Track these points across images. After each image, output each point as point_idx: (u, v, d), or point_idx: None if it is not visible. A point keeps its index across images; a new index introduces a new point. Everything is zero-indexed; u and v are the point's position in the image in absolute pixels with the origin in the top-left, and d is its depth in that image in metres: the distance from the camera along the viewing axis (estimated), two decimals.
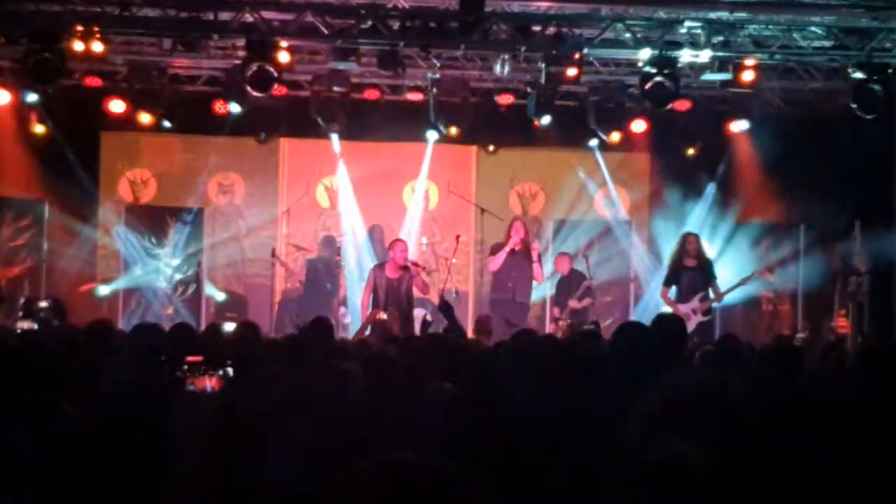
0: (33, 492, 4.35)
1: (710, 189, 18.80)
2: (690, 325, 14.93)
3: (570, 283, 17.42)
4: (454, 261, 17.32)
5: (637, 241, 19.27)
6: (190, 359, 7.22)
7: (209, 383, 6.77)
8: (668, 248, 17.67)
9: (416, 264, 15.70)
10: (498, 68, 16.67)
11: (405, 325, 15.01)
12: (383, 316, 15.44)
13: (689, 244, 16.09)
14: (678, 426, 2.99)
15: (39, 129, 17.66)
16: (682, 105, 16.76)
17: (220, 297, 18.61)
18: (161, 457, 3.43)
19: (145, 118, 17.27)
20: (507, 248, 15.97)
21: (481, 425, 5.00)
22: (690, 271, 16.01)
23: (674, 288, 16.17)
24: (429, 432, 5.46)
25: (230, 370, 6.91)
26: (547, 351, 7.72)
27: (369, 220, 19.13)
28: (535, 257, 15.99)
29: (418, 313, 16.08)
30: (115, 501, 3.41)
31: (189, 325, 10.70)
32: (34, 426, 4.80)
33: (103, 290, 17.90)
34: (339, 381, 6.19)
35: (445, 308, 12.66)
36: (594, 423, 5.11)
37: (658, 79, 15.19)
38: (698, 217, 18.61)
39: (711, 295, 15.97)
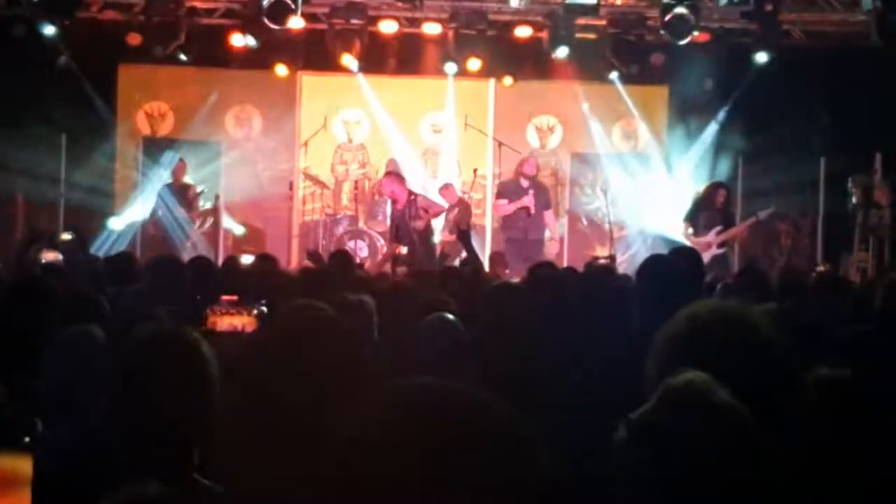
0: (67, 418, 4.39)
1: (722, 115, 18.69)
2: (706, 258, 14.99)
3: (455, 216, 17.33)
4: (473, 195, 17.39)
5: (655, 174, 19.22)
6: (225, 298, 7.20)
7: (239, 322, 6.74)
8: (685, 180, 17.73)
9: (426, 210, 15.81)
10: (515, 0, 16.59)
11: (426, 258, 15.18)
12: (403, 250, 15.59)
13: (718, 195, 16.17)
14: (701, 350, 2.98)
15: (62, 60, 17.56)
16: (702, 37, 16.65)
17: (239, 230, 18.62)
18: (194, 396, 3.45)
19: (162, 51, 17.22)
20: (517, 205, 16.07)
21: (498, 357, 5.02)
22: (711, 212, 16.11)
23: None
24: (436, 363, 5.49)
25: (263, 308, 6.86)
26: (565, 283, 7.74)
27: (385, 153, 19.11)
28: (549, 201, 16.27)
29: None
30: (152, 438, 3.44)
31: (208, 258, 10.74)
32: (70, 355, 4.85)
33: (116, 222, 17.82)
34: (350, 312, 6.20)
35: (463, 237, 12.64)
36: (613, 353, 5.13)
37: (678, 10, 15.12)
38: (708, 144, 18.66)
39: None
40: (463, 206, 17.22)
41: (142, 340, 3.65)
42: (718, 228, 15.88)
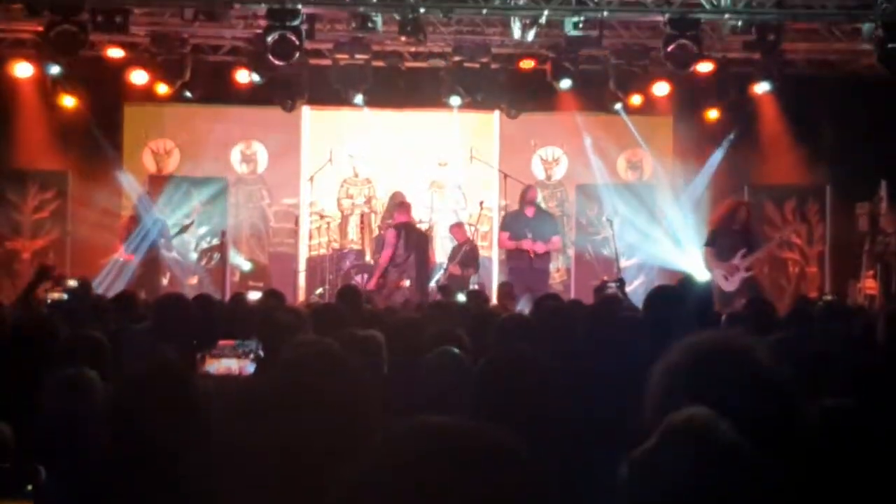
0: (67, 464, 4.36)
1: (726, 143, 18.69)
2: (735, 282, 14.91)
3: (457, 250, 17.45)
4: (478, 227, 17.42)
5: (661, 204, 19.21)
6: (222, 342, 7.19)
7: (235, 366, 6.72)
8: (691, 210, 17.72)
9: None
10: (519, 33, 16.60)
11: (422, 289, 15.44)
12: (406, 283, 15.72)
13: (739, 212, 15.84)
14: (701, 383, 2.95)
15: (69, 101, 17.61)
16: (705, 67, 16.65)
17: (247, 266, 18.63)
18: (186, 436, 3.42)
19: (167, 89, 17.26)
20: (519, 245, 16.20)
21: (507, 391, 4.99)
22: (733, 234, 15.60)
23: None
24: (444, 397, 5.45)
25: (260, 351, 6.84)
26: (573, 316, 7.71)
27: (390, 187, 19.11)
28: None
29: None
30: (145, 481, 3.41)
31: (211, 297, 10.70)
32: (63, 399, 4.82)
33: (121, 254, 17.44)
34: (359, 348, 6.18)
35: (444, 291, 12.75)
36: (619, 387, 5.10)
37: (680, 41, 15.11)
38: (714, 173, 18.67)
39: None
40: (470, 248, 17.33)
41: (132, 376, 3.63)
42: (743, 251, 15.37)
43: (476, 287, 15.86)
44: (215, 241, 18.05)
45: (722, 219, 15.89)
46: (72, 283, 13.78)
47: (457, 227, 17.82)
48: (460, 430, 2.11)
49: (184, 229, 16.65)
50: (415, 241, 16.66)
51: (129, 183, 18.43)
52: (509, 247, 16.67)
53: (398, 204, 17.60)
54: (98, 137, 18.09)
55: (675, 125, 19.16)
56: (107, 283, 16.71)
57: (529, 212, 16.67)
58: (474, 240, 17.74)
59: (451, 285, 16.10)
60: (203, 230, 18.50)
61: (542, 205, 17.05)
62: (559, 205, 19.40)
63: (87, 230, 17.88)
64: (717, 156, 18.76)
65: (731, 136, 18.61)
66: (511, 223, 16.87)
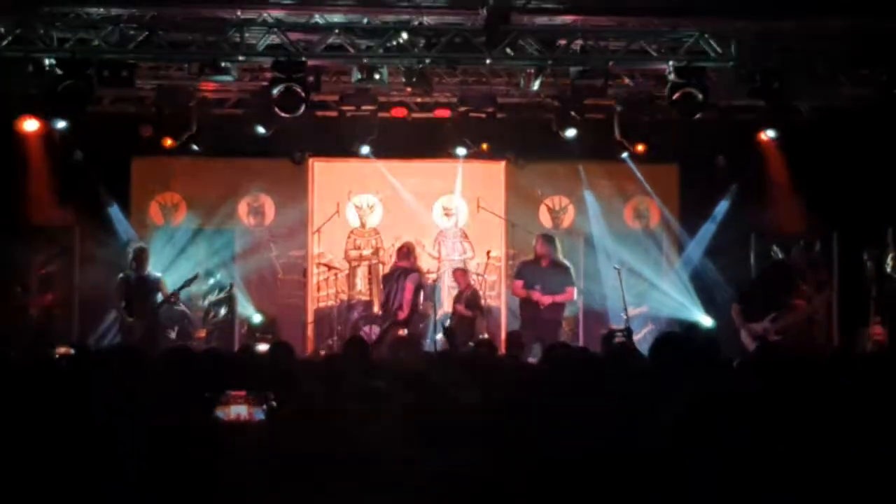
0: None
1: (731, 194, 18.74)
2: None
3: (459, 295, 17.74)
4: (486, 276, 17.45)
5: (668, 252, 19.24)
6: (233, 393, 7.18)
7: (246, 412, 6.71)
8: (699, 259, 17.76)
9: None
10: (524, 82, 16.69)
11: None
12: (404, 332, 15.90)
13: (793, 267, 15.62)
14: (702, 432, 2.96)
15: (79, 155, 17.71)
16: (711, 115, 16.67)
17: (257, 318, 18.61)
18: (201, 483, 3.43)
19: (174, 142, 17.29)
20: (530, 295, 16.46)
21: (515, 441, 4.98)
22: (768, 291, 15.22)
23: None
24: (452, 444, 5.44)
25: (273, 402, 6.82)
26: (582, 365, 7.70)
27: (397, 237, 19.11)
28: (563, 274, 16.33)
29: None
30: None
31: (219, 350, 10.70)
32: (71, 451, 4.82)
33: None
34: (365, 400, 6.17)
35: (449, 335, 12.76)
36: (627, 436, 5.08)
37: (686, 89, 15.15)
38: (720, 221, 18.69)
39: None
40: (471, 292, 17.46)
41: (148, 431, 3.63)
42: (773, 315, 14.88)
43: (484, 336, 15.92)
44: (223, 294, 18.03)
45: (762, 277, 15.66)
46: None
47: (460, 273, 18.02)
48: None
49: (188, 283, 16.58)
50: (395, 280, 16.88)
51: (126, 231, 18.45)
52: (521, 295, 16.72)
53: (397, 250, 17.75)
54: (105, 193, 18.17)
55: (681, 173, 19.18)
56: (107, 340, 16.74)
57: (545, 262, 16.70)
58: (476, 286, 17.87)
59: (458, 330, 16.15)
60: (210, 283, 18.50)
61: (559, 255, 17.00)
62: (567, 254, 19.38)
63: (95, 285, 17.86)
64: (724, 205, 18.79)
65: (735, 187, 18.66)
66: (524, 271, 16.92)
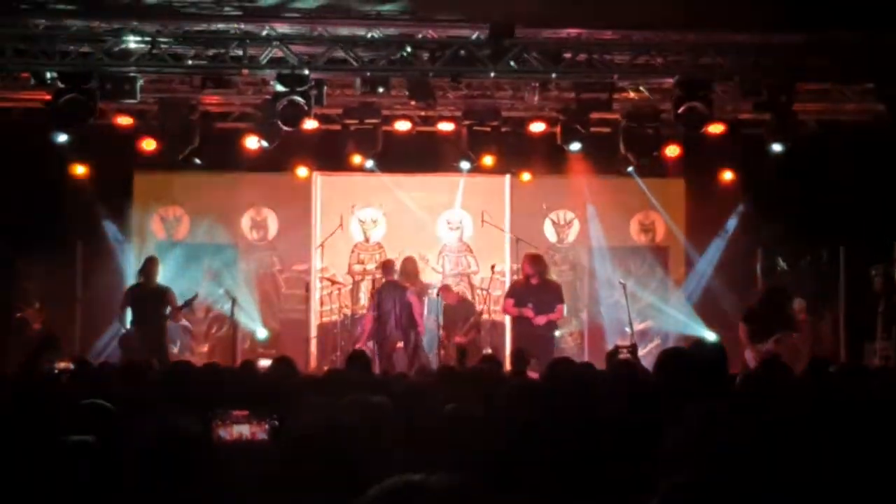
0: None
1: (741, 208, 18.74)
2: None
3: (455, 316, 17.65)
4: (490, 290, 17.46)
5: (674, 267, 19.25)
6: (236, 412, 7.15)
7: (248, 431, 6.69)
8: (705, 274, 17.75)
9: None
10: (528, 96, 16.71)
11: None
12: (401, 345, 16.02)
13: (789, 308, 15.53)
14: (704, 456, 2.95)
15: (80, 170, 17.76)
16: (717, 128, 16.65)
17: (263, 333, 18.61)
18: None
19: (177, 156, 17.27)
20: (521, 312, 16.53)
21: (518, 456, 4.96)
22: (770, 315, 15.01)
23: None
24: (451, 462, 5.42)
25: (275, 422, 6.80)
26: (585, 380, 7.68)
27: (401, 252, 19.09)
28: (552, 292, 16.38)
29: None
30: None
31: (219, 365, 10.67)
32: (67, 466, 4.80)
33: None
34: (365, 415, 6.15)
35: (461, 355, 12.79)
36: (631, 453, 5.07)
37: (691, 103, 15.14)
38: (728, 235, 18.69)
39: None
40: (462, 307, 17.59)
41: (146, 440, 3.62)
42: (778, 336, 14.71)
43: (488, 352, 15.92)
44: (225, 309, 18.00)
45: (766, 303, 15.53)
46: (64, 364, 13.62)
47: (444, 290, 18.10)
48: (433, 489, 2.11)
49: (188, 304, 16.54)
50: (389, 297, 16.87)
51: (118, 241, 18.48)
52: (512, 314, 16.92)
53: (383, 263, 17.76)
54: (107, 207, 18.18)
55: (687, 187, 19.17)
56: (108, 353, 16.71)
57: (534, 280, 16.71)
58: (464, 296, 17.99)
59: (469, 350, 16.22)
60: (213, 297, 18.48)
61: (549, 273, 17.07)
62: (572, 268, 19.39)
63: (97, 299, 17.87)
64: (733, 219, 18.78)
65: (741, 208, 18.66)
66: (515, 291, 17.00)
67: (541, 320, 16.37)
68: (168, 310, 16.09)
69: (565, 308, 16.98)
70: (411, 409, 6.68)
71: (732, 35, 15.13)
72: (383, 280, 17.49)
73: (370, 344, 17.18)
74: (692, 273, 19.10)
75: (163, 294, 16.21)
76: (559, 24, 15.08)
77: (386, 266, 17.65)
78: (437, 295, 17.95)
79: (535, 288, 16.66)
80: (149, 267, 16.41)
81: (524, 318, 16.50)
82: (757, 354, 14.50)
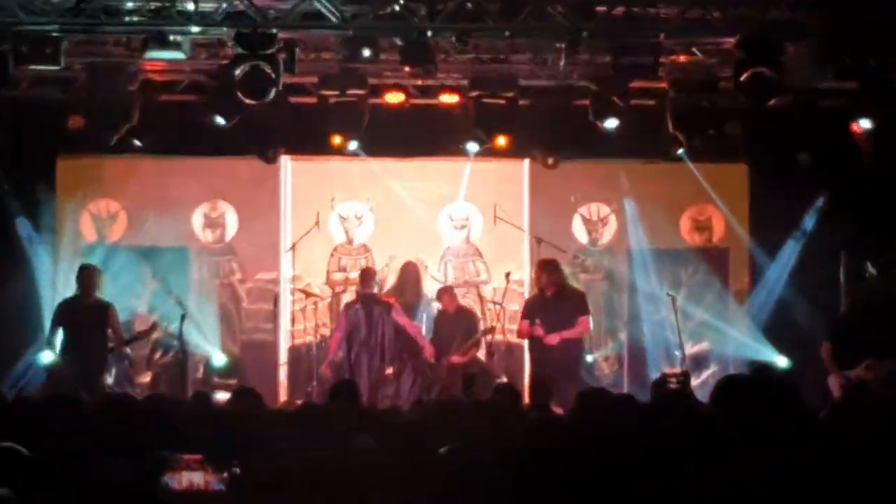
0: None
1: (820, 203, 18.75)
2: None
3: (452, 329, 17.69)
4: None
5: (736, 274, 19.26)
6: (187, 456, 7.19)
7: (201, 480, 6.74)
8: (776, 284, 17.75)
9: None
10: (552, 60, 16.73)
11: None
12: (390, 371, 16.11)
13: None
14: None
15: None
16: (788, 101, 16.67)
17: (220, 359, 18.60)
18: None
19: (111, 136, 17.28)
20: (532, 332, 16.61)
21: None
22: (866, 328, 15.13)
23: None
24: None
25: (236, 469, 6.85)
26: (625, 417, 7.72)
27: (393, 256, 19.11)
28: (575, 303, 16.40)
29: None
30: None
31: (164, 398, 10.71)
32: None
33: (47, 357, 16.37)
34: (346, 460, 6.21)
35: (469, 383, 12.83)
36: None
37: (757, 69, 15.17)
38: (804, 235, 18.70)
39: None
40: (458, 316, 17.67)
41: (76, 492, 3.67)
42: (869, 361, 14.79)
43: (503, 381, 15.94)
44: (173, 328, 18.00)
45: (853, 304, 15.49)
46: None
47: (444, 293, 18.20)
48: None
49: (134, 339, 16.61)
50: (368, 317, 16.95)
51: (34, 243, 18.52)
52: (523, 336, 17.17)
53: (362, 272, 17.88)
54: (21, 198, 18.20)
55: (752, 174, 19.15)
56: (26, 384, 16.71)
57: (549, 291, 16.70)
58: (471, 308, 18.06)
59: (479, 376, 16.25)
60: (157, 314, 18.50)
61: (568, 281, 17.09)
62: (607, 276, 19.40)
63: (8, 315, 17.83)
64: (809, 220, 18.77)
65: (820, 201, 18.67)
66: (528, 308, 17.02)
67: (552, 339, 16.33)
68: (109, 332, 16.05)
69: (591, 321, 16.94)
70: (405, 451, 6.72)
71: None
72: (359, 293, 17.48)
73: (329, 372, 17.14)
74: (760, 282, 19.09)
75: (104, 311, 16.17)
76: None
77: (365, 276, 17.60)
78: (437, 299, 18.04)
79: (551, 300, 16.65)
80: (87, 277, 16.34)
81: (534, 339, 16.49)
82: (843, 382, 14.51)
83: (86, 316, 16.03)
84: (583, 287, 17.89)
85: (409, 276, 18.65)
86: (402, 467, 6.62)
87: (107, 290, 17.32)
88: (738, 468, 3.98)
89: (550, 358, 16.26)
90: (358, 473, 6.21)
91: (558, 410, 11.75)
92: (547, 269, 16.89)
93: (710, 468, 6.12)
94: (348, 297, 18.77)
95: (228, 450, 7.38)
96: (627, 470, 6.51)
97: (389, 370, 16.96)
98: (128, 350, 17.17)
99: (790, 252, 18.93)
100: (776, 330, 18.41)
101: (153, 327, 17.12)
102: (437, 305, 18.07)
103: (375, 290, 17.51)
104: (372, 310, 17.09)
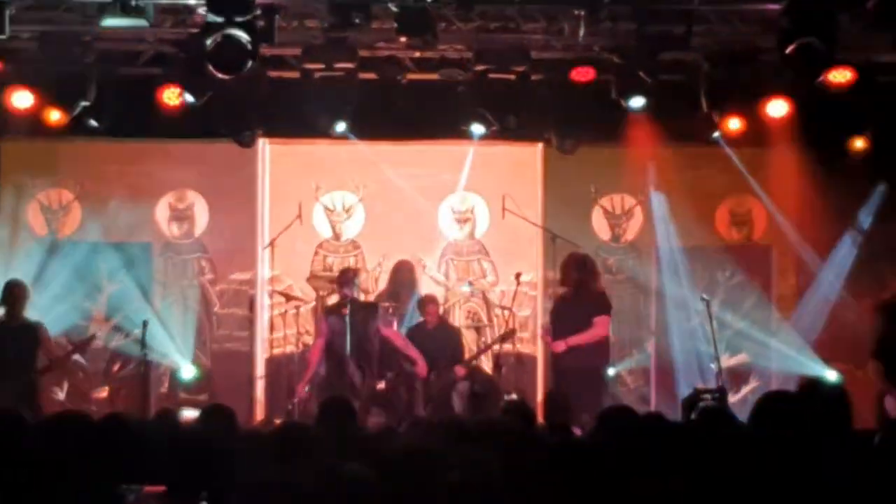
0: None
1: (879, 191, 18.77)
2: None
3: (430, 347, 17.62)
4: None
5: (781, 276, 19.28)
6: (149, 489, 7.20)
7: None
8: (830, 287, 17.76)
9: None
10: (570, 29, 16.75)
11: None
12: (380, 385, 16.16)
13: None
14: None
15: None
16: (842, 76, 16.67)
17: (188, 372, 18.61)
18: None
19: (62, 116, 17.28)
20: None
21: None
22: None
23: None
24: None
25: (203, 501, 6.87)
26: (651, 438, 7.72)
27: (387, 253, 19.13)
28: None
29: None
30: None
31: (123, 418, 10.70)
32: None
33: None
34: (335, 489, 6.22)
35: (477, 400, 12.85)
36: None
37: (805, 39, 15.17)
38: (864, 232, 18.69)
39: None
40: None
41: None
42: None
43: (513, 397, 15.93)
44: (133, 337, 18.02)
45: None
46: None
47: (427, 302, 18.15)
48: None
49: (78, 348, 16.57)
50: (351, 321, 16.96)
51: None
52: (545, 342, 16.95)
53: (340, 274, 17.75)
54: None
55: (800, 161, 19.14)
56: None
57: (568, 290, 16.70)
58: (486, 318, 18.06)
59: (489, 393, 16.28)
60: (116, 319, 18.51)
61: (591, 278, 17.03)
62: (632, 277, 19.41)
63: None
64: (866, 214, 18.76)
65: (880, 191, 18.65)
66: (552, 311, 17.01)
67: (558, 346, 16.30)
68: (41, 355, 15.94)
69: (609, 322, 16.82)
70: (404, 481, 6.72)
71: None
72: (342, 296, 17.40)
73: (307, 390, 17.10)
74: (810, 287, 19.08)
75: (33, 333, 16.04)
76: None
77: (343, 277, 17.50)
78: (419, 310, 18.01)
79: (567, 302, 16.63)
80: (13, 295, 16.20)
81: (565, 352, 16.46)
82: None
83: (14, 340, 15.91)
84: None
85: (403, 276, 18.64)
86: (401, 499, 6.62)
87: (58, 291, 17.37)
88: (784, 497, 3.97)
89: (563, 368, 16.23)
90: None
91: (577, 431, 11.76)
92: (568, 264, 16.79)
93: (750, 497, 6.13)
94: (331, 300, 18.66)
95: (195, 479, 7.38)
96: (655, 499, 6.52)
97: (381, 385, 16.93)
98: (80, 359, 17.17)
99: (845, 251, 18.92)
100: (826, 340, 18.42)
101: (92, 337, 17.04)
102: (417, 317, 18.04)
103: (357, 293, 17.36)
104: (356, 316, 16.97)
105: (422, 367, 17.11)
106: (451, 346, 17.74)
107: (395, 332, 17.40)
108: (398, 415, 16.53)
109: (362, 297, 17.74)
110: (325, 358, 16.91)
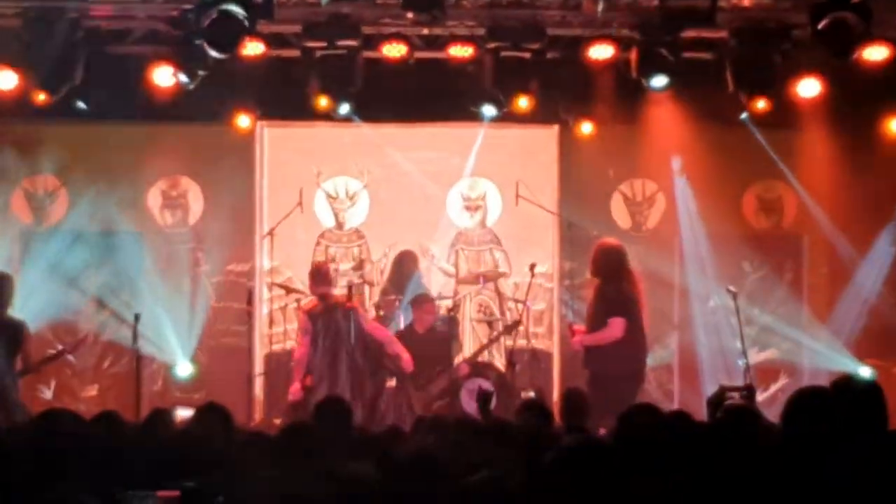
0: None
1: None
2: None
3: (415, 354, 17.54)
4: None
5: (813, 265, 19.26)
6: (162, 494, 7.21)
7: None
8: (867, 280, 17.74)
9: None
10: (587, 4, 16.75)
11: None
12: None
13: None
14: None
15: None
16: (879, 53, 16.65)
17: (185, 370, 18.62)
18: None
19: (49, 97, 17.29)
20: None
21: None
22: None
23: None
24: None
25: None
26: (676, 438, 7.73)
27: (393, 243, 19.14)
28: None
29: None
30: None
31: (114, 417, 10.72)
32: None
33: None
34: (340, 492, 6.23)
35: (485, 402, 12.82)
36: None
37: (838, 14, 15.16)
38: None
39: None
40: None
41: None
42: None
43: (529, 395, 15.93)
44: (124, 330, 18.04)
45: None
46: None
47: (423, 302, 18.13)
48: None
49: (61, 354, 16.53)
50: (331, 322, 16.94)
51: None
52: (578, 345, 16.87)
53: (313, 269, 17.81)
54: None
55: (833, 144, 19.12)
56: None
57: (593, 283, 16.65)
58: (498, 311, 18.05)
59: (500, 391, 16.27)
60: (106, 314, 18.52)
61: (615, 271, 16.96)
62: (654, 268, 19.37)
63: None
64: None
65: None
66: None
67: (576, 343, 16.24)
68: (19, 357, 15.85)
69: (623, 325, 16.71)
70: (413, 483, 6.74)
71: None
72: (317, 295, 17.37)
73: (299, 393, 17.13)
74: (849, 286, 19.04)
75: (17, 330, 15.93)
76: None
77: (316, 274, 17.46)
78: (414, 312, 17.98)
79: (592, 297, 16.60)
80: (2, 288, 16.12)
81: (595, 356, 16.33)
82: None
83: None
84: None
85: (405, 268, 18.66)
86: (411, 502, 6.63)
87: (45, 282, 17.39)
88: (815, 498, 3.97)
89: (605, 374, 16.03)
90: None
91: (602, 432, 11.75)
92: (595, 257, 16.63)
93: (779, 499, 6.14)
94: (340, 292, 18.56)
95: (191, 481, 7.39)
96: (681, 502, 6.53)
97: (369, 384, 16.95)
98: (72, 358, 17.21)
99: (884, 243, 18.87)
100: (863, 336, 18.41)
101: (85, 337, 17.05)
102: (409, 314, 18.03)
103: (331, 289, 17.38)
104: (333, 315, 16.97)
105: (407, 362, 17.05)
106: (435, 355, 17.68)
107: (378, 325, 17.37)
108: (390, 414, 16.60)
109: (335, 291, 17.74)
110: (311, 357, 16.93)
